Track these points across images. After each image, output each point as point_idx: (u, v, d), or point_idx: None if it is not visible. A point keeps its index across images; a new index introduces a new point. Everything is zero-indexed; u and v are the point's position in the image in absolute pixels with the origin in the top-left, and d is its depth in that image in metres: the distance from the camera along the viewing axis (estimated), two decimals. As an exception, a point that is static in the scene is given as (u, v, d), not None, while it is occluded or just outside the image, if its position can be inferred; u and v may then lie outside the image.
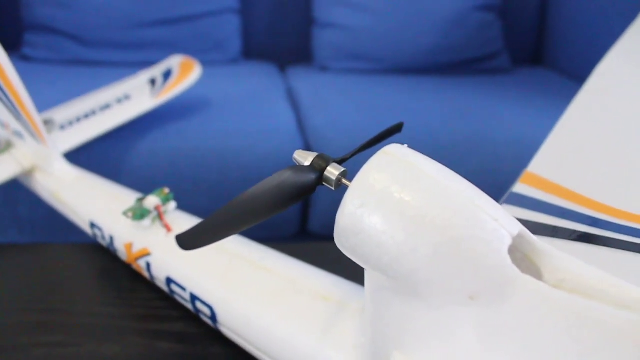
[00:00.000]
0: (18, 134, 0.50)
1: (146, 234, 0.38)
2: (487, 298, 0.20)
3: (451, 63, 1.12)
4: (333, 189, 0.24)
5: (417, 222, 0.20)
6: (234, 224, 0.23)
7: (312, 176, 0.24)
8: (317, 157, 0.24)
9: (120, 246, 0.40)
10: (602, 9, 1.06)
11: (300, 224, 0.79)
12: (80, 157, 0.51)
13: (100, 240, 0.43)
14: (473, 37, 1.11)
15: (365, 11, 1.08)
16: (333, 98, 0.90)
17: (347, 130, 0.78)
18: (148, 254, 0.37)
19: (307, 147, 0.77)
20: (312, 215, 0.78)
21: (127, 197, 0.42)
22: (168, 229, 0.37)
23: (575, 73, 1.13)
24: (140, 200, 0.39)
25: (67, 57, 1.02)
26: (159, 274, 0.37)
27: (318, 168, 0.24)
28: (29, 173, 0.50)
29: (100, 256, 0.44)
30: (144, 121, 0.63)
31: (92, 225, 0.42)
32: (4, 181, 0.48)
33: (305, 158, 0.25)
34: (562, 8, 1.19)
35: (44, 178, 0.48)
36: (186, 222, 0.38)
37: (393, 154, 0.22)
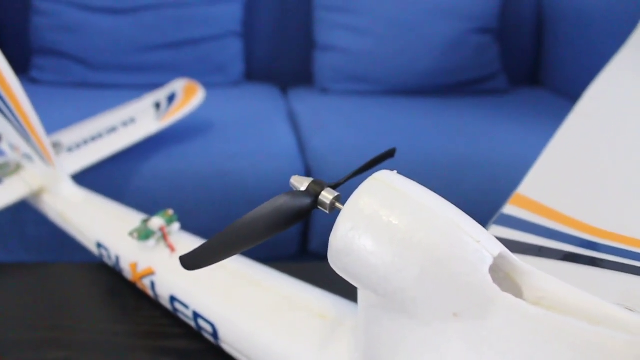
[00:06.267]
0: (27, 157, 0.51)
1: (151, 254, 0.39)
2: (469, 315, 0.22)
3: (449, 85, 1.14)
4: (327, 212, 0.26)
5: (404, 244, 0.22)
6: (235, 245, 0.25)
7: (307, 200, 0.26)
8: (312, 182, 0.26)
9: (125, 266, 0.41)
10: (597, 30, 1.09)
11: (300, 243, 0.80)
12: (86, 178, 0.53)
13: (106, 259, 0.44)
14: (471, 59, 1.14)
15: (365, 34, 1.10)
16: (333, 120, 0.92)
17: (346, 152, 0.80)
18: (152, 273, 0.39)
19: (307, 169, 0.79)
20: (312, 236, 0.79)
21: (133, 218, 0.44)
22: (172, 249, 0.39)
23: (572, 93, 1.14)
24: (145, 221, 0.40)
25: (73, 79, 1.05)
26: (163, 293, 0.38)
27: (313, 193, 0.26)
28: (37, 194, 0.51)
29: (106, 275, 0.46)
30: (148, 143, 0.65)
31: (99, 246, 0.44)
32: (13, 202, 0.50)
33: (301, 183, 0.27)
34: (558, 30, 1.22)
35: (51, 199, 0.50)
36: (189, 242, 0.40)
37: (382, 180, 0.24)
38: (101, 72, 1.05)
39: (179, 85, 0.73)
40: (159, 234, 0.40)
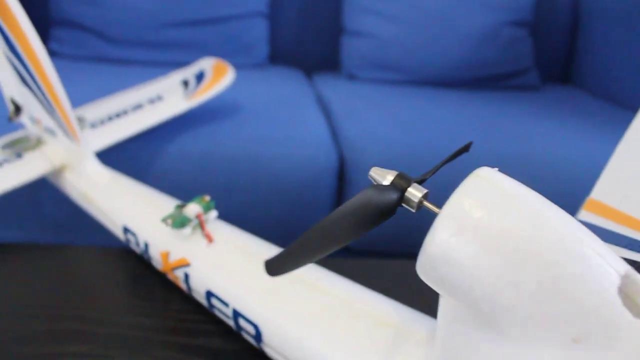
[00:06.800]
0: (50, 131, 0.48)
1: (185, 244, 0.36)
2: (593, 342, 0.18)
3: (479, 78, 1.10)
4: (414, 211, 0.22)
5: (519, 255, 0.18)
6: (321, 248, 0.22)
7: (393, 196, 0.22)
8: (397, 176, 0.23)
9: (155, 254, 0.38)
10: (634, 29, 1.04)
11: None
12: (108, 157, 0.49)
13: (133, 246, 0.41)
14: (503, 53, 1.10)
15: (396, 21, 1.06)
16: (365, 108, 0.88)
17: (381, 143, 0.76)
18: (187, 265, 0.35)
19: (341, 159, 0.75)
20: None
21: (163, 203, 0.40)
22: (209, 239, 0.35)
23: (606, 93, 1.10)
24: (179, 207, 0.37)
25: (93, 53, 1.01)
26: (198, 287, 0.35)
27: (399, 187, 0.22)
28: (59, 171, 0.48)
29: (132, 262, 0.43)
30: (174, 123, 0.61)
31: (126, 230, 0.41)
32: (34, 179, 0.47)
33: (384, 176, 0.23)
34: (595, 27, 1.17)
35: (74, 178, 0.47)
36: (227, 232, 0.36)
37: (487, 178, 0.20)
38: (121, 47, 1.02)
39: (207, 64, 0.70)
40: (194, 222, 0.36)
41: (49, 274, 0.41)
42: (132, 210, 0.41)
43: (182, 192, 0.47)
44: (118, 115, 0.54)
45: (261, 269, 0.32)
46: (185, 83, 0.63)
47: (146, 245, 0.39)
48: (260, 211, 0.70)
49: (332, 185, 0.72)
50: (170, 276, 0.38)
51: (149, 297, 0.39)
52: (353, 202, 0.21)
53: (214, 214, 0.37)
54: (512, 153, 0.75)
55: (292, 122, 0.77)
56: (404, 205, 0.23)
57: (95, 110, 0.56)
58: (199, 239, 0.36)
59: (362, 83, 1.04)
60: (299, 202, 0.70)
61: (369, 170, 0.24)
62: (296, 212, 0.70)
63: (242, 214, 0.57)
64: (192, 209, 0.36)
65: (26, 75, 0.46)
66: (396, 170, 0.24)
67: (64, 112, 0.44)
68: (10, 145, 0.49)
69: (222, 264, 0.34)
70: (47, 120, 0.47)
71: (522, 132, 0.83)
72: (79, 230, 0.65)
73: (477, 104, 0.96)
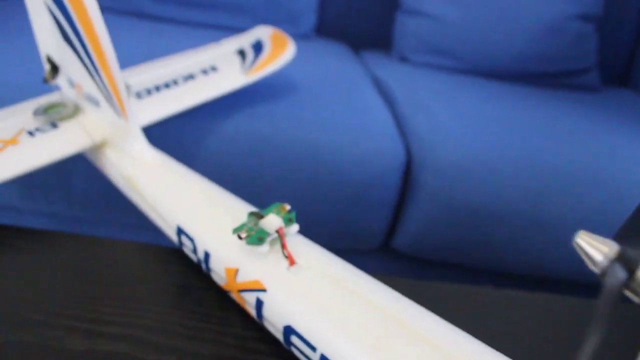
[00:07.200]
0: (91, 99, 0.41)
1: (261, 263, 0.29)
2: None
3: (537, 73, 1.02)
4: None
5: None
6: None
7: (619, 276, 0.15)
8: (621, 250, 0.16)
9: (219, 268, 0.31)
10: None
11: (385, 238, 0.70)
12: (150, 133, 0.42)
13: (187, 251, 0.34)
14: (567, 49, 1.01)
15: (457, 4, 0.97)
16: (429, 98, 0.80)
17: (453, 141, 0.68)
18: (261, 289, 0.29)
19: (408, 154, 0.68)
20: (400, 230, 0.68)
21: (228, 203, 0.34)
22: (291, 261, 0.29)
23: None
24: (254, 215, 0.30)
25: (130, 8, 0.93)
26: (274, 319, 0.28)
27: (627, 266, 0.16)
28: (99, 148, 0.41)
29: (183, 268, 0.36)
30: (227, 99, 0.54)
31: (180, 232, 0.34)
32: (70, 154, 0.40)
33: (599, 248, 0.16)
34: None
35: (117, 157, 0.40)
36: (311, 252, 0.30)
37: None
38: (161, 3, 0.93)
39: (264, 33, 0.62)
40: (273, 236, 0.29)
41: (81, 266, 0.34)
42: (189, 208, 0.34)
43: (232, 179, 0.40)
44: (167, 86, 0.47)
45: (359, 306, 0.26)
46: (242, 53, 0.55)
47: (207, 256, 0.32)
48: (316, 207, 0.62)
49: (396, 185, 0.65)
50: (234, 296, 0.31)
51: (205, 317, 0.32)
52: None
53: (295, 227, 0.30)
54: (590, 163, 0.67)
55: (354, 107, 0.69)
56: (629, 292, 0.16)
57: (141, 77, 0.48)
58: (277, 259, 0.29)
59: (414, 67, 0.96)
60: (359, 201, 0.62)
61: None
62: (354, 214, 0.63)
63: (298, 210, 0.50)
64: (272, 221, 0.29)
65: (69, 29, 0.39)
66: (615, 242, 0.17)
67: (111, 78, 0.37)
68: (44, 111, 0.42)
69: (308, 295, 0.28)
70: (89, 86, 0.40)
71: (595, 139, 0.75)
72: (109, 208, 0.59)
73: (537, 102, 0.88)
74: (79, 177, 0.58)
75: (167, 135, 0.55)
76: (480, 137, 0.67)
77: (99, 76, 0.38)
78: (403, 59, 1.00)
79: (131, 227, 0.67)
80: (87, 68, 0.39)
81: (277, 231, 0.29)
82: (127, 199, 0.40)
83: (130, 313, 0.32)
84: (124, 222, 0.63)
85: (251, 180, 0.59)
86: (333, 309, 0.26)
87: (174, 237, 0.35)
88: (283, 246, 0.29)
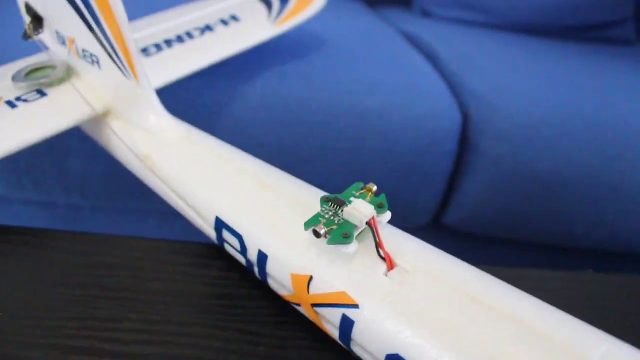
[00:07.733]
0: (90, 56, 0.32)
1: (347, 268, 0.21)
2: None
3: (568, 26, 0.93)
4: None
5: None
6: None
7: None
8: None
9: (281, 274, 0.23)
10: None
11: (435, 213, 0.62)
12: (161, 96, 0.33)
13: (232, 251, 0.26)
14: (601, -1, 0.92)
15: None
16: (474, 55, 0.69)
17: (510, 99, 0.60)
18: (351, 305, 0.21)
19: (464, 114, 0.59)
20: (452, 204, 0.60)
21: (288, 186, 0.25)
22: (390, 264, 0.21)
23: None
24: (331, 203, 0.22)
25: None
26: (372, 345, 0.20)
27: None
28: (101, 118, 0.32)
29: (224, 273, 0.28)
30: (252, 57, 0.45)
31: (220, 225, 0.26)
32: (64, 129, 0.31)
33: None
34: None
35: (127, 132, 0.31)
36: (409, 247, 0.22)
37: None
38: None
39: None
40: (360, 229, 0.21)
41: (90, 283, 0.26)
42: (232, 195, 0.26)
43: (260, 152, 0.31)
44: (180, 39, 0.38)
45: (491, 323, 0.18)
46: (267, 1, 0.46)
47: (262, 257, 0.24)
48: (361, 180, 0.54)
49: (452, 152, 0.56)
50: (305, 310, 0.23)
51: (258, 337, 0.24)
52: None
53: (386, 216, 0.22)
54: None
55: (396, 64, 0.59)
56: None
57: (147, 28, 0.39)
58: (370, 262, 0.21)
59: (439, 22, 0.87)
60: (410, 172, 0.54)
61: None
62: (403, 186, 0.55)
63: (340, 188, 0.42)
64: (361, 209, 0.21)
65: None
66: None
67: (116, 26, 0.29)
68: (27, 76, 0.33)
69: (419, 310, 0.20)
70: (85, 40, 0.31)
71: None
72: (114, 195, 0.50)
73: (584, 58, 0.79)
74: (75, 157, 0.48)
75: (180, 101, 0.46)
76: (544, 96, 0.59)
77: (99, 26, 0.29)
78: (425, 14, 0.90)
79: (135, 212, 0.58)
80: (82, 16, 0.30)
81: (368, 223, 0.21)
82: (132, 180, 0.31)
83: (158, 336, 0.24)
84: (129, 207, 0.55)
85: (283, 152, 0.50)
86: (454, 328, 0.19)
87: (210, 231, 0.27)
88: (379, 244, 0.21)
